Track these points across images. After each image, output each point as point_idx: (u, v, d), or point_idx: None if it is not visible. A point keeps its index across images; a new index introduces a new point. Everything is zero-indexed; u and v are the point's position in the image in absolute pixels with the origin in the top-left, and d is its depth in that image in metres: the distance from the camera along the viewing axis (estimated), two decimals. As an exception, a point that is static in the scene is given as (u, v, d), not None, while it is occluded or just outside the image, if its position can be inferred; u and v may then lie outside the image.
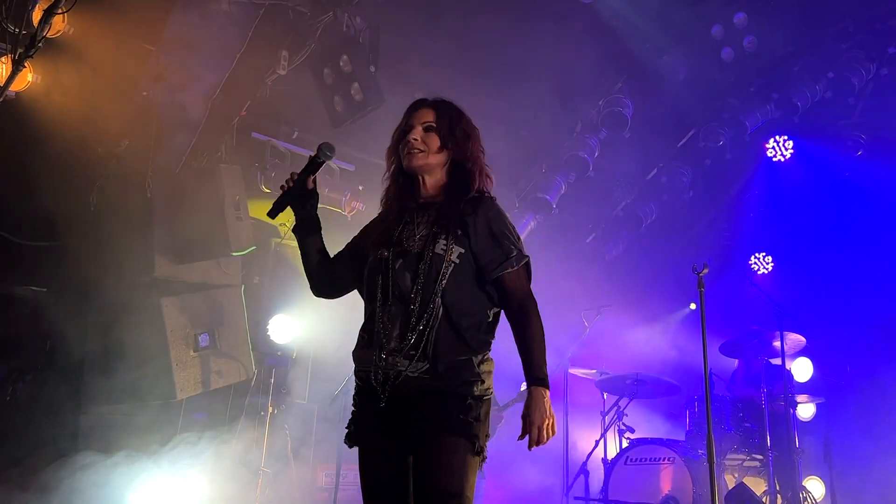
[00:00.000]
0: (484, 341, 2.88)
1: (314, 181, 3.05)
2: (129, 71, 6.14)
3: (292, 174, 3.04)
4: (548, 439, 2.74)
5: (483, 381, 2.80)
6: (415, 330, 2.76)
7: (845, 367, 7.93)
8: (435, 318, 2.76)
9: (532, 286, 2.96)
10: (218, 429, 7.01)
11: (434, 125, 2.97)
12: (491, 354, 2.92)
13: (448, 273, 2.80)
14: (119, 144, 6.40)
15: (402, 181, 3.04)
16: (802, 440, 7.10)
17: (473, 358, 2.80)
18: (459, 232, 2.85)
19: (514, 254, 2.89)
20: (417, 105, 3.05)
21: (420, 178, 3.01)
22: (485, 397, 2.80)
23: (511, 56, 7.16)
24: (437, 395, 2.73)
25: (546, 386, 2.78)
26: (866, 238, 8.27)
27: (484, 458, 2.77)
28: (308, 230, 3.09)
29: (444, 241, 2.83)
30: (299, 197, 3.04)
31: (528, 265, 2.95)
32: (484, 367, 2.83)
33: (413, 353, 2.74)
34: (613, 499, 6.63)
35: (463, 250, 2.83)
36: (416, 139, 2.95)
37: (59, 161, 6.07)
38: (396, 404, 2.79)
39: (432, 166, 2.98)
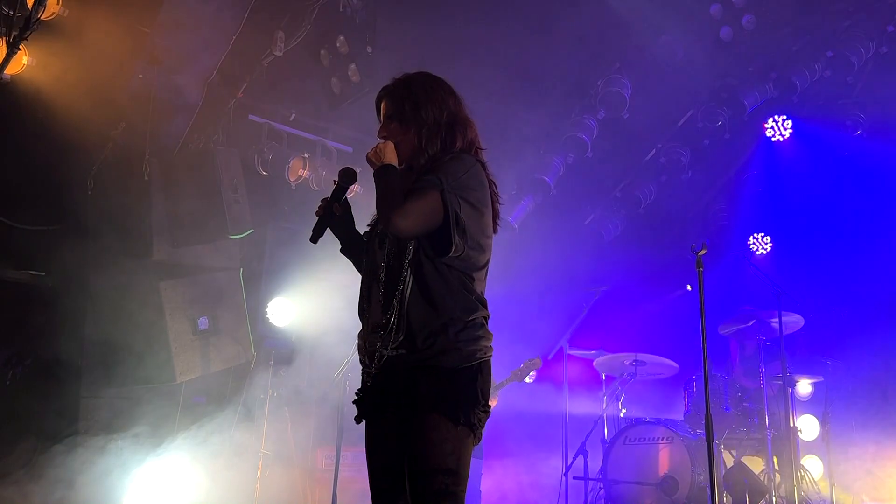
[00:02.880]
0: (462, 307, 2.78)
1: (344, 206, 3.08)
2: (124, 53, 6.09)
3: (322, 200, 3.07)
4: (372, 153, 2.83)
5: (462, 350, 2.72)
6: (389, 306, 2.77)
7: (843, 347, 7.95)
8: (405, 291, 2.75)
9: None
10: (218, 412, 7.02)
11: (391, 113, 2.97)
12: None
13: (413, 244, 2.78)
14: (115, 127, 6.37)
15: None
16: (800, 419, 7.13)
17: (450, 327, 2.75)
18: None
19: (427, 179, 2.77)
20: (379, 98, 3.05)
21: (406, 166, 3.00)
22: (466, 366, 2.72)
23: (508, 36, 7.13)
24: (415, 371, 2.73)
25: (383, 166, 2.81)
26: (866, 218, 8.27)
27: (472, 428, 2.70)
28: (351, 251, 3.13)
29: None
30: (333, 221, 3.07)
31: (448, 192, 2.74)
32: (465, 335, 2.75)
33: (390, 327, 2.75)
34: (612, 478, 6.67)
35: None
36: (382, 136, 2.96)
37: (56, 145, 6.03)
38: (384, 384, 2.81)
39: (412, 152, 2.94)
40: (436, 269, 2.78)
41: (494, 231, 2.97)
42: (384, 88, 3.03)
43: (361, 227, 3.14)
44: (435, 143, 2.91)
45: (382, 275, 2.83)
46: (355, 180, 3.06)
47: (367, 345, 2.85)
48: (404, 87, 2.97)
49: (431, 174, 2.79)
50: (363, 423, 2.94)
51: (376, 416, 2.86)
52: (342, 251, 3.16)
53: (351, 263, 3.18)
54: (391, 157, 2.84)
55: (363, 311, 2.93)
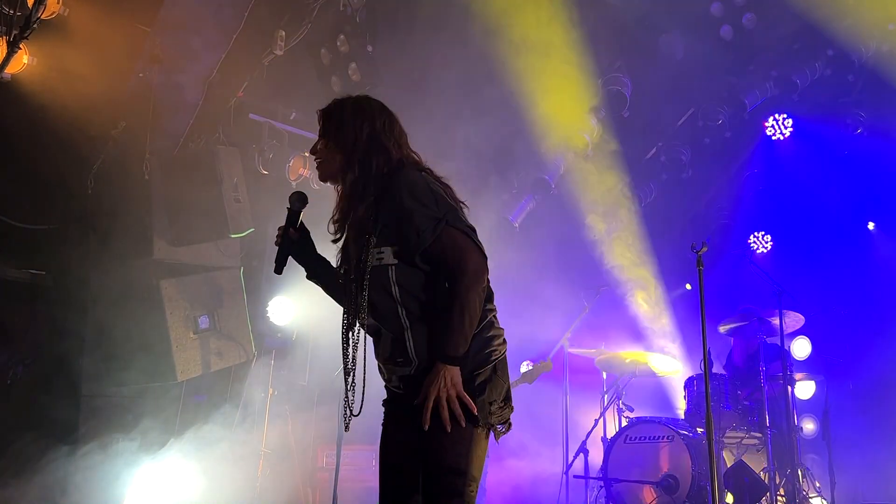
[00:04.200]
0: None
1: (300, 230, 3.06)
2: (124, 52, 6.09)
3: (279, 229, 3.06)
4: (444, 410, 2.63)
5: (474, 359, 2.74)
6: (388, 341, 2.82)
7: (844, 346, 7.94)
8: (402, 324, 2.77)
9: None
10: (218, 410, 7.02)
11: (321, 133, 2.98)
12: None
13: (393, 277, 2.78)
14: (116, 126, 6.37)
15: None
16: (801, 418, 7.12)
17: None
18: (379, 232, 2.80)
19: (427, 226, 2.71)
20: (318, 117, 3.04)
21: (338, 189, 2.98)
22: (477, 371, 2.73)
23: (509, 34, 7.12)
24: None
25: (455, 365, 2.66)
26: (866, 216, 8.26)
27: (489, 428, 2.75)
28: (316, 273, 3.12)
29: (375, 249, 2.79)
30: (293, 247, 3.06)
31: (454, 224, 2.74)
32: (474, 345, 2.74)
33: (399, 360, 2.80)
34: (613, 477, 6.66)
35: (396, 246, 2.78)
36: (314, 155, 2.98)
37: (56, 144, 6.04)
38: (405, 396, 2.84)
39: (335, 173, 2.95)
40: (425, 300, 2.78)
41: None
42: (321, 109, 3.02)
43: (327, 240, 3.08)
44: (357, 163, 2.88)
45: (367, 317, 2.85)
46: (307, 203, 3.03)
47: (382, 367, 2.89)
48: (335, 108, 2.98)
49: (413, 217, 2.71)
50: (365, 421, 2.96)
51: (396, 419, 2.91)
52: (309, 278, 3.12)
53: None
54: (449, 374, 2.67)
55: (346, 352, 2.96)
